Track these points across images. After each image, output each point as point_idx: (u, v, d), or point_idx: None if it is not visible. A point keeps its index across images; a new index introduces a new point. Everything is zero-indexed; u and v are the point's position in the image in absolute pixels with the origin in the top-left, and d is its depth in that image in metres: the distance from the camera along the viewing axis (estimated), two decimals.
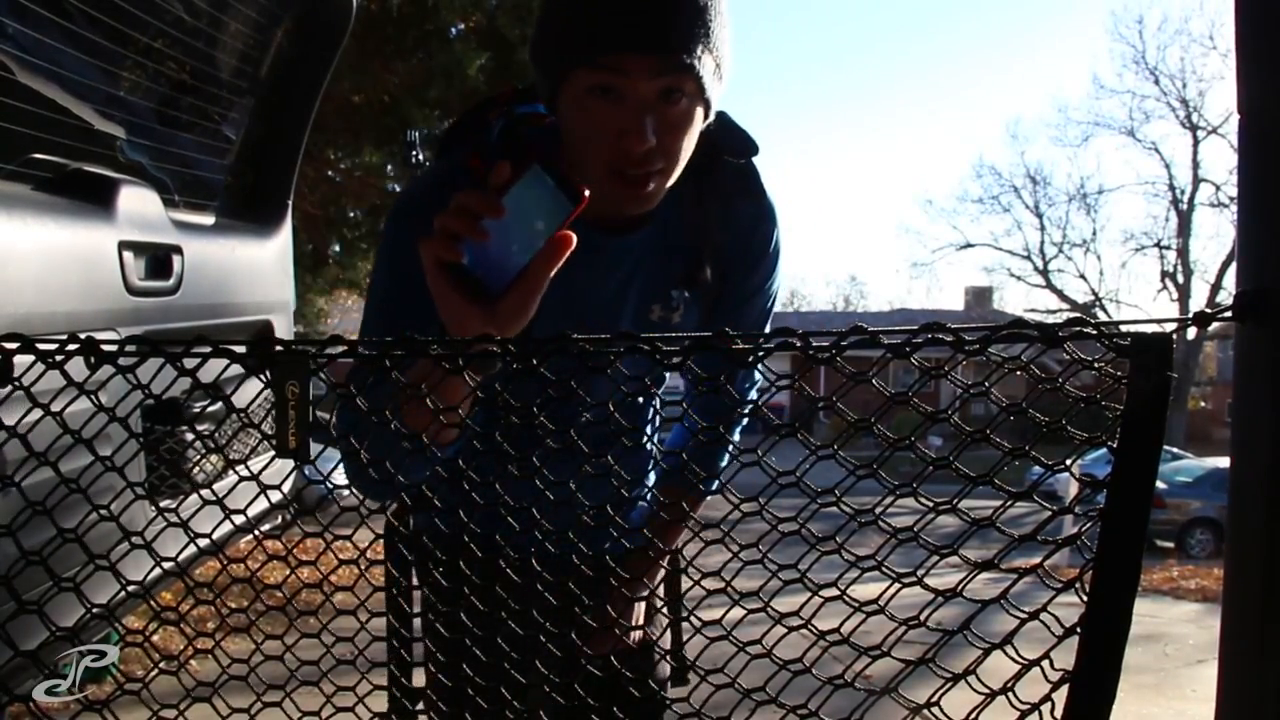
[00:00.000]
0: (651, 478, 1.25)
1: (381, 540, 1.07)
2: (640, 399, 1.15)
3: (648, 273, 1.10)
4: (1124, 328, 0.59)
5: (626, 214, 1.02)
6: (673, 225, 1.09)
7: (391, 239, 1.08)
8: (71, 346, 0.73)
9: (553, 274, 1.03)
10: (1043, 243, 26.40)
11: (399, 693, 0.95)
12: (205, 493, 0.75)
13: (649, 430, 1.19)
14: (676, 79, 0.93)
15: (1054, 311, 24.26)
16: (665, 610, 1.18)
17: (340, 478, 0.99)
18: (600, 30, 0.91)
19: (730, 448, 1.14)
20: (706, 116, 0.99)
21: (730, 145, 1.09)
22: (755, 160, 1.12)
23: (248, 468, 0.75)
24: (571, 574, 0.79)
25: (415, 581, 1.14)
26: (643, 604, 1.20)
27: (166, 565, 0.75)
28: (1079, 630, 0.60)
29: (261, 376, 0.72)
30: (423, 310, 1.00)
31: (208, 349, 0.71)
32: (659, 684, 1.17)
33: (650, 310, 1.12)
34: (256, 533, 0.80)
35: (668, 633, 1.19)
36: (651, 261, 1.10)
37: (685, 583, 0.72)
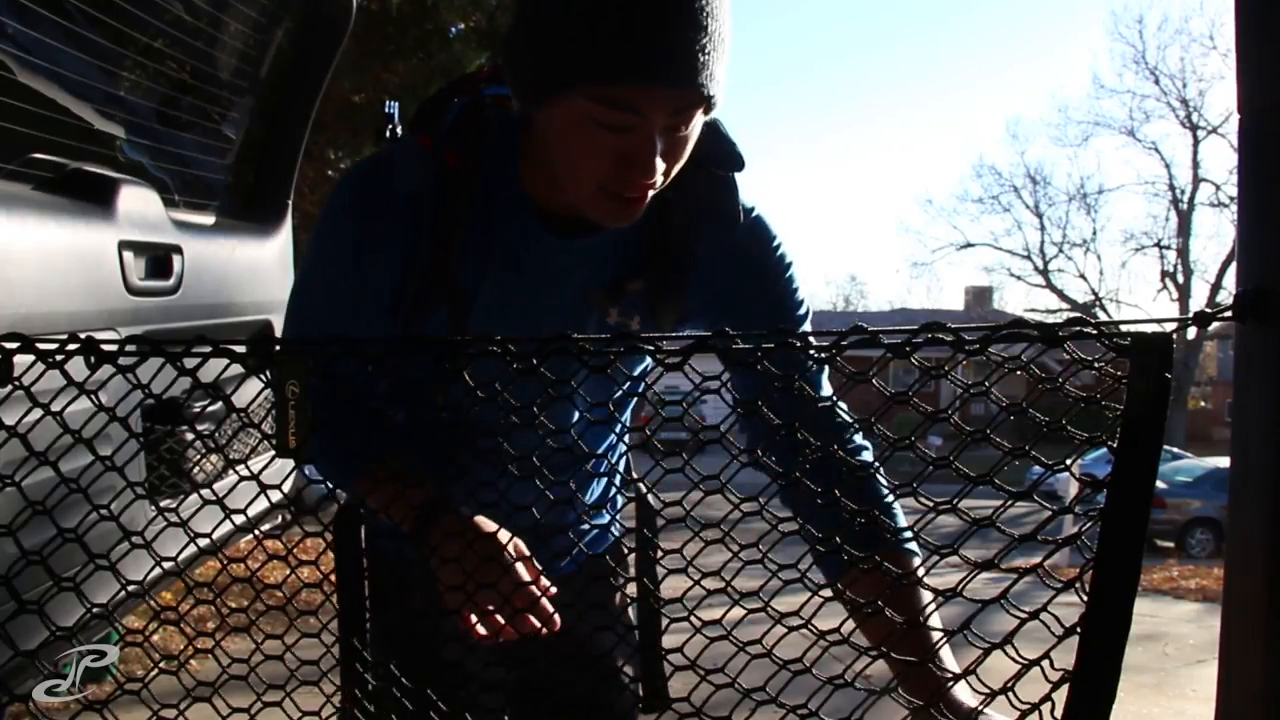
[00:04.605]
0: (602, 492, 1.17)
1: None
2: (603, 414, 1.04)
3: (616, 280, 1.01)
4: (1124, 328, 0.59)
5: (601, 225, 0.94)
6: (627, 229, 0.97)
7: (321, 231, 1.02)
8: (71, 346, 0.73)
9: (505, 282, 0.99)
10: (1043, 243, 26.44)
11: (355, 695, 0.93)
12: (205, 493, 0.75)
13: (602, 448, 1.12)
14: (692, 109, 0.85)
15: (1054, 311, 24.29)
16: (635, 630, 1.06)
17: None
18: (615, 57, 0.79)
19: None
20: None
21: (715, 156, 0.99)
22: (738, 176, 1.02)
23: (248, 468, 0.75)
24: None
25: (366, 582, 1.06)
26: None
27: (166, 565, 0.75)
28: (1079, 630, 0.60)
29: (261, 376, 0.72)
30: (358, 312, 0.99)
31: (208, 349, 0.71)
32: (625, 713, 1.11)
33: (609, 314, 1.03)
34: (256, 533, 0.80)
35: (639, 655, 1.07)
36: (615, 267, 1.01)
37: (685, 583, 0.72)
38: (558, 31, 0.81)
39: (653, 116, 0.83)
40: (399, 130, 1.38)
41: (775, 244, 1.06)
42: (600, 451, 1.13)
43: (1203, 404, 29.75)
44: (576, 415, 0.96)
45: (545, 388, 0.70)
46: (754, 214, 1.05)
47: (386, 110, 1.14)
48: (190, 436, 1.81)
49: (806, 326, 1.09)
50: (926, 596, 0.80)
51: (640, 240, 1.01)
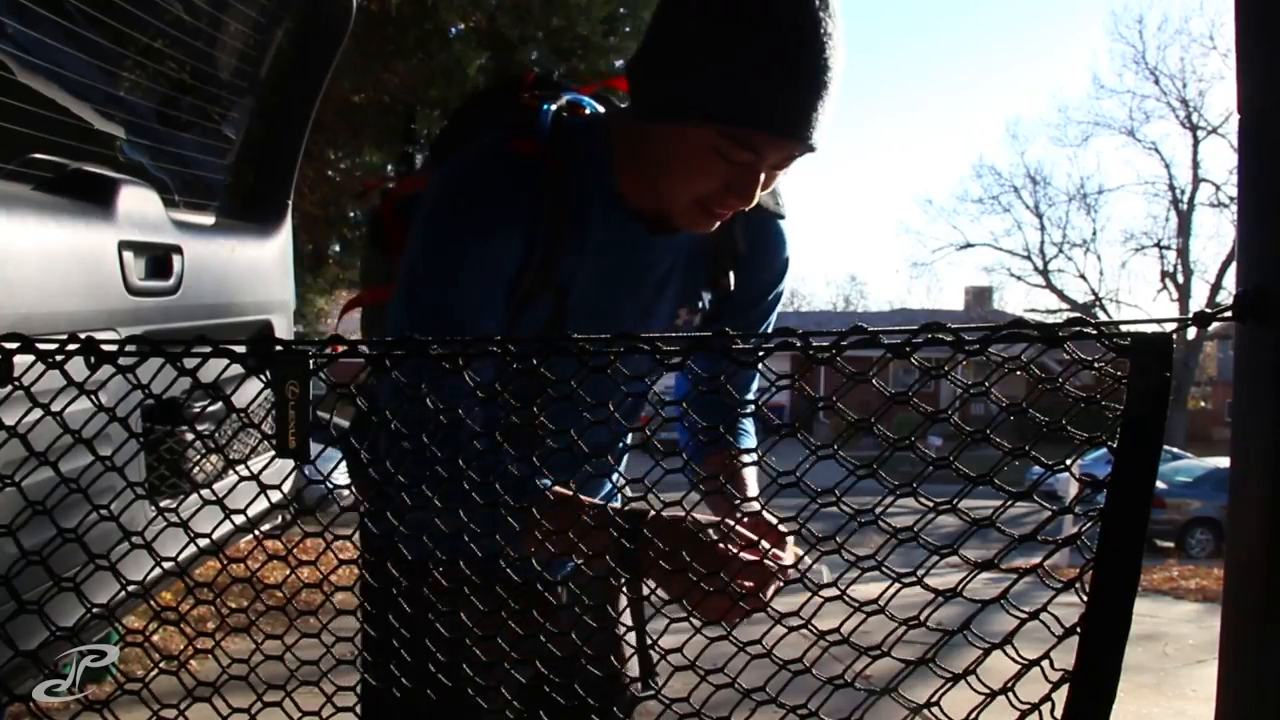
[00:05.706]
0: (608, 491, 1.20)
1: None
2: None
3: (683, 273, 1.11)
4: (1124, 328, 0.59)
5: (680, 229, 1.04)
6: None
7: (444, 228, 1.00)
8: (71, 346, 0.73)
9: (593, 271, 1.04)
10: (1043, 243, 26.49)
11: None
12: (205, 493, 0.75)
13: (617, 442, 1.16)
14: (799, 155, 0.95)
15: (1054, 311, 24.30)
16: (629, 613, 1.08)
17: (341, 477, 0.98)
18: (761, 108, 0.88)
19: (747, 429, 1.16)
20: None
21: None
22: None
23: (248, 468, 0.75)
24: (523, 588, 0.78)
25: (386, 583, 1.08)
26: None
27: (166, 565, 0.75)
28: (1079, 630, 0.60)
29: (261, 376, 0.72)
30: (486, 309, 1.00)
31: (208, 349, 0.71)
32: (626, 688, 1.13)
33: (678, 314, 1.13)
34: (256, 533, 0.80)
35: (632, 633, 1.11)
36: (685, 261, 1.11)
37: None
38: (715, 69, 0.88)
39: (768, 158, 0.93)
40: (413, 128, 1.44)
41: (788, 255, 1.17)
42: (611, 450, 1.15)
43: (1203, 404, 29.77)
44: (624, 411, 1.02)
45: (536, 386, 0.70)
46: (786, 219, 1.16)
47: (405, 114, 1.17)
48: (190, 436, 1.81)
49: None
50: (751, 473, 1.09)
51: (708, 236, 1.09)
